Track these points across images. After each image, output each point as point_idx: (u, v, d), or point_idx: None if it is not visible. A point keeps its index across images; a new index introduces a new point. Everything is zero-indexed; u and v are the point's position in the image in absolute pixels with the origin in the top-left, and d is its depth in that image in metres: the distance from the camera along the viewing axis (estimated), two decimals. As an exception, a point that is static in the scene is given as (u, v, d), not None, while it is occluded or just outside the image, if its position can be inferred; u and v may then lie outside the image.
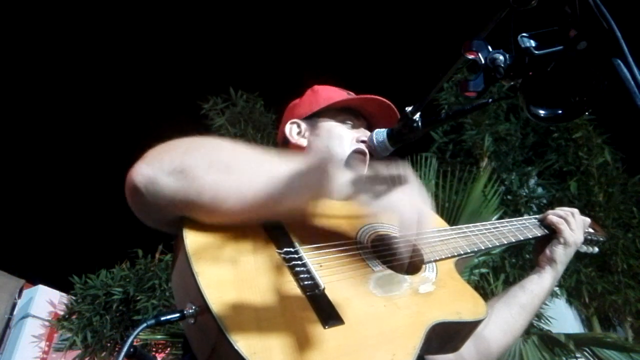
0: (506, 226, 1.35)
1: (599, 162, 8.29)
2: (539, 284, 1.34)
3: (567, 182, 8.43)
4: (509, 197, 8.16)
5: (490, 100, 1.08)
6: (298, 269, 0.86)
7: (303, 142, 1.31)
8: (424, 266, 1.05)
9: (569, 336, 3.72)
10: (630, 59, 0.57)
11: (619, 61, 0.57)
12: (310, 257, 0.90)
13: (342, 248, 0.97)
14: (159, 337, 4.40)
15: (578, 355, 3.65)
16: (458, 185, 3.94)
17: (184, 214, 0.85)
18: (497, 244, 1.27)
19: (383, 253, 1.01)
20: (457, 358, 1.11)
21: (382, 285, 0.93)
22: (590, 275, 7.27)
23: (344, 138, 1.30)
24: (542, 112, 0.76)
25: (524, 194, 8.45)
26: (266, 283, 0.81)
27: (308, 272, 0.86)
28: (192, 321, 0.78)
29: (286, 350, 0.73)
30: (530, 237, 1.37)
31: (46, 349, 10.72)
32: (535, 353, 3.53)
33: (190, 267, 0.78)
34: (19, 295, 11.65)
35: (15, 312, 11.40)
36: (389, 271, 0.97)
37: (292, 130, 1.34)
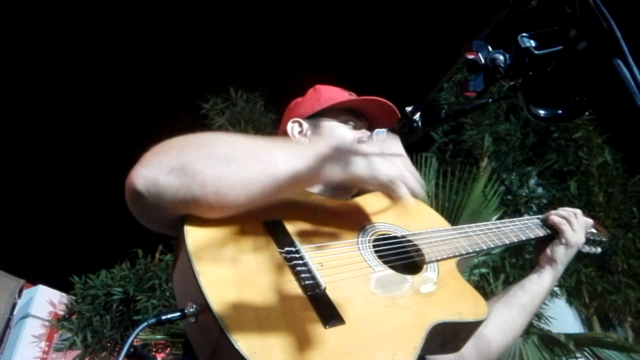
0: (508, 226, 1.35)
1: (599, 162, 8.30)
2: (539, 283, 1.34)
3: (567, 182, 8.43)
4: (509, 197, 8.16)
5: (490, 100, 1.08)
6: (299, 268, 0.86)
7: (304, 141, 1.31)
8: (425, 266, 1.05)
9: (569, 336, 3.72)
10: (630, 59, 0.57)
11: (619, 61, 0.57)
12: (312, 256, 0.90)
13: (343, 248, 0.97)
14: (159, 337, 4.40)
15: (578, 355, 3.65)
16: (458, 185, 3.94)
17: (188, 211, 0.85)
18: (500, 244, 1.27)
19: (384, 253, 1.01)
20: (457, 358, 1.11)
21: (383, 285, 0.93)
22: (590, 275, 7.28)
23: (345, 138, 1.30)
24: (542, 112, 0.76)
25: (524, 194, 8.46)
26: (267, 282, 0.82)
27: (309, 271, 0.86)
28: (192, 320, 0.78)
29: (286, 350, 0.73)
30: (533, 237, 1.36)
31: (46, 349, 10.72)
32: (535, 353, 3.53)
33: (191, 267, 0.78)
34: (19, 295, 11.65)
35: (15, 312, 11.40)
36: (390, 271, 0.97)
37: (293, 129, 1.34)
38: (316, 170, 0.89)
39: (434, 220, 1.25)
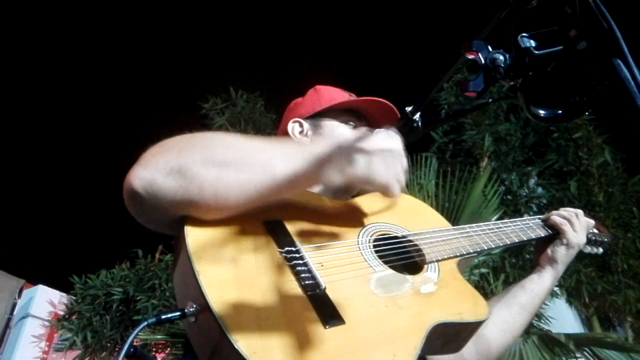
0: (509, 226, 1.34)
1: (599, 162, 8.30)
2: (539, 283, 1.34)
3: (567, 182, 8.43)
4: (509, 197, 8.16)
5: (490, 100, 1.08)
6: (299, 268, 0.86)
7: (306, 141, 1.32)
8: (426, 266, 1.05)
9: (569, 336, 3.72)
10: (630, 59, 0.57)
11: (619, 61, 0.57)
12: (312, 256, 0.90)
13: (343, 247, 0.97)
14: (159, 337, 4.40)
15: (578, 355, 3.65)
16: (458, 185, 3.94)
17: (186, 213, 0.85)
18: (501, 244, 1.27)
19: (385, 253, 1.01)
20: (457, 358, 1.11)
21: (384, 285, 0.93)
22: (590, 275, 7.28)
23: (346, 137, 1.30)
24: (542, 112, 0.76)
25: (524, 194, 8.46)
26: (267, 282, 0.82)
27: (309, 271, 0.86)
28: (192, 320, 0.78)
29: (286, 350, 0.73)
30: (534, 237, 1.36)
31: (46, 349, 10.73)
32: (535, 353, 3.53)
33: (191, 266, 0.78)
34: (19, 295, 11.65)
35: (15, 312, 11.40)
36: (391, 271, 0.97)
37: (294, 129, 1.34)
38: (315, 172, 0.89)
39: (434, 220, 1.25)
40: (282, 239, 0.90)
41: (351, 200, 1.17)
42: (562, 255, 1.36)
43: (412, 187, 3.96)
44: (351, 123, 1.34)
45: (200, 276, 0.76)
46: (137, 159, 0.85)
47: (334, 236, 0.98)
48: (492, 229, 1.29)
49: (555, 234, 1.39)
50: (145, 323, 0.76)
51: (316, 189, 1.25)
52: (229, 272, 0.80)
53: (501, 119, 8.73)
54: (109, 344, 7.88)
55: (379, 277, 0.94)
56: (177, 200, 0.81)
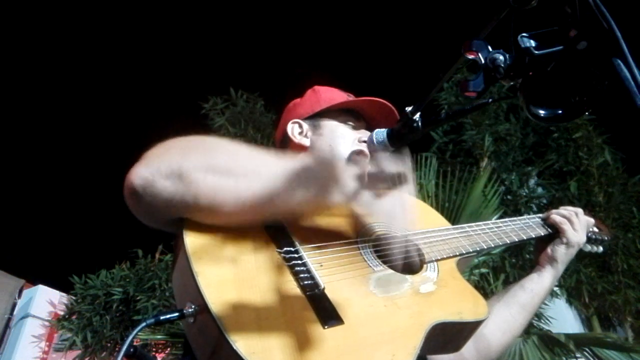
0: (509, 225, 1.34)
1: (599, 162, 8.29)
2: (539, 283, 1.33)
3: (567, 182, 8.42)
4: (509, 197, 8.15)
5: (490, 100, 1.08)
6: (298, 268, 0.86)
7: (305, 141, 1.32)
8: (425, 266, 1.05)
9: (569, 336, 3.71)
10: (630, 59, 0.57)
11: (619, 61, 0.57)
12: (311, 256, 0.89)
13: (342, 247, 0.97)
14: (159, 337, 4.39)
15: (578, 355, 3.65)
16: (458, 185, 3.93)
17: (182, 215, 0.85)
18: (500, 243, 1.26)
19: (384, 253, 1.01)
20: (457, 357, 1.11)
21: (383, 285, 0.93)
22: (590, 275, 7.27)
23: (346, 138, 1.30)
24: (542, 112, 0.76)
25: (524, 194, 8.45)
26: (266, 283, 0.81)
27: (308, 271, 0.86)
28: (191, 321, 0.78)
29: (286, 351, 0.73)
30: (534, 236, 1.36)
31: (46, 349, 10.72)
32: (535, 353, 3.52)
33: (190, 267, 0.78)
34: (19, 295, 11.65)
35: (15, 312, 11.40)
36: (390, 271, 0.97)
37: (293, 129, 1.34)
38: (316, 199, 0.88)
39: (434, 219, 1.25)
40: (281, 239, 0.90)
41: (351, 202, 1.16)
42: (562, 254, 1.35)
43: (412, 187, 3.95)
44: (350, 123, 1.34)
45: (199, 277, 0.76)
46: (137, 159, 0.85)
47: (333, 236, 0.98)
48: (492, 228, 1.29)
49: (555, 233, 1.39)
50: (144, 324, 0.76)
51: None
52: (227, 273, 0.80)
53: (501, 119, 8.72)
54: (109, 344, 7.88)
55: (378, 277, 0.94)
56: (173, 203, 0.82)
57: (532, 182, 8.89)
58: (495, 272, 5.18)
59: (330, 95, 1.37)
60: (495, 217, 3.86)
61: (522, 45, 0.77)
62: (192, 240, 0.82)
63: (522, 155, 8.84)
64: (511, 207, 7.80)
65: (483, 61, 0.84)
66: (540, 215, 1.45)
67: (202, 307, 0.74)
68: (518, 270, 5.75)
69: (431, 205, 1.50)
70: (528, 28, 0.78)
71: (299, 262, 0.87)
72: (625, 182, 8.29)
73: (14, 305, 11.48)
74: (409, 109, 1.08)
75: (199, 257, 0.80)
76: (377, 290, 0.91)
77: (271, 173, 0.85)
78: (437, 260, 1.08)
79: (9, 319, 11.25)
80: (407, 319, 0.88)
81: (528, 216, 1.43)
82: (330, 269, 0.90)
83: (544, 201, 8.49)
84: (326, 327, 0.79)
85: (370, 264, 0.96)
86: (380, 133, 1.17)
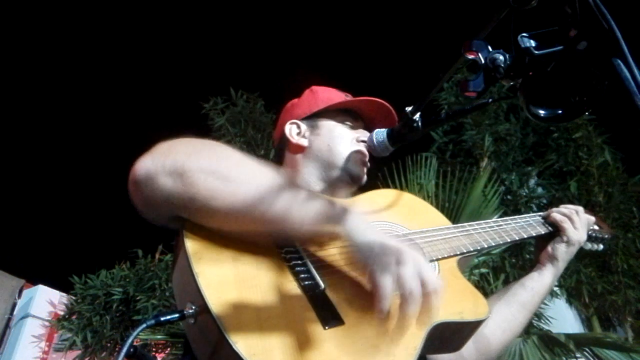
0: (509, 224, 1.34)
1: (599, 162, 8.29)
2: (540, 281, 1.33)
3: (567, 182, 8.42)
4: (509, 197, 8.15)
5: (490, 100, 1.08)
6: (298, 268, 0.86)
7: (304, 142, 1.32)
8: None
9: (569, 336, 3.71)
10: (630, 59, 0.57)
11: (619, 61, 0.57)
12: (311, 256, 0.89)
13: (343, 247, 0.96)
14: (159, 337, 4.39)
15: (578, 355, 3.65)
16: (458, 185, 3.93)
17: (179, 214, 0.86)
18: (501, 242, 1.26)
19: None
20: (456, 356, 1.11)
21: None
22: (590, 275, 7.27)
23: (344, 137, 1.30)
24: (542, 112, 0.76)
25: (524, 194, 8.44)
26: (266, 283, 0.81)
27: (308, 271, 0.86)
28: (192, 321, 0.78)
29: (286, 351, 0.73)
30: (534, 234, 1.35)
31: (46, 349, 10.72)
32: (535, 353, 3.52)
33: (190, 267, 0.78)
34: (19, 295, 11.65)
35: (15, 312, 11.40)
36: None
37: (291, 130, 1.34)
38: (315, 228, 0.86)
39: (435, 218, 1.24)
40: None
41: (351, 199, 1.16)
42: (563, 252, 1.35)
43: (412, 187, 3.96)
44: (348, 123, 1.34)
45: (199, 277, 0.76)
46: (137, 159, 0.86)
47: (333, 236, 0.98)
48: (492, 226, 1.28)
49: (555, 232, 1.38)
50: (145, 325, 0.76)
51: (317, 187, 1.25)
52: (228, 273, 0.80)
53: (501, 119, 8.72)
54: (109, 344, 7.88)
55: None
56: (170, 200, 0.83)
57: (532, 182, 8.89)
58: (495, 272, 5.17)
59: (328, 95, 1.37)
60: (496, 217, 3.85)
61: (522, 45, 0.77)
62: (192, 240, 0.82)
63: (522, 155, 8.83)
64: (511, 207, 7.79)
65: (483, 61, 0.84)
66: (541, 213, 1.45)
67: (203, 307, 0.74)
68: (518, 270, 5.75)
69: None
70: (528, 28, 0.78)
71: (300, 262, 0.87)
72: (625, 182, 8.28)
73: (14, 305, 11.48)
74: (409, 109, 1.08)
75: (199, 257, 0.80)
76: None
77: (272, 189, 0.84)
78: (437, 260, 1.07)
79: (9, 319, 11.25)
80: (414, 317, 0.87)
81: (528, 214, 1.42)
82: (330, 269, 0.90)
83: (544, 201, 8.49)
84: (327, 327, 0.79)
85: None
86: (380, 133, 1.17)
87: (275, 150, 1.44)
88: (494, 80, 0.83)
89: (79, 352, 8.06)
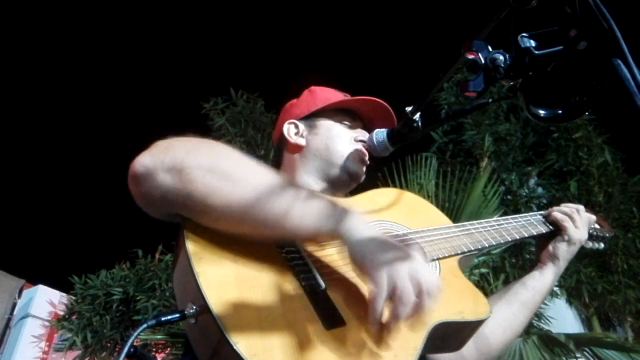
0: (510, 223, 1.33)
1: (599, 162, 8.29)
2: (541, 280, 1.33)
3: (567, 182, 8.42)
4: (509, 197, 8.15)
5: (490, 100, 1.08)
6: (299, 268, 0.86)
7: (302, 141, 1.32)
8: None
9: (569, 336, 3.71)
10: (630, 59, 0.57)
11: (619, 61, 0.57)
12: (312, 256, 0.89)
13: (343, 247, 0.97)
14: (159, 337, 4.39)
15: (578, 355, 3.65)
16: (458, 185, 3.93)
17: (177, 211, 0.86)
18: (502, 241, 1.25)
19: None
20: (457, 355, 1.11)
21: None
22: (590, 275, 7.27)
23: (343, 137, 1.30)
24: (542, 112, 0.76)
25: (524, 194, 8.45)
26: (267, 283, 0.81)
27: (309, 271, 0.86)
28: (192, 321, 0.78)
29: (287, 351, 0.72)
30: (535, 233, 1.35)
31: (46, 349, 10.73)
32: (535, 353, 3.52)
33: (191, 267, 0.78)
34: (19, 295, 11.66)
35: (15, 312, 11.41)
36: None
37: (289, 130, 1.34)
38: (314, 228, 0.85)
39: (435, 217, 1.24)
40: None
41: (351, 198, 1.16)
42: (564, 251, 1.35)
43: (412, 187, 3.96)
44: (346, 122, 1.34)
45: (199, 277, 0.76)
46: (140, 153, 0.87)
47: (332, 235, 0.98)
48: (493, 225, 1.28)
49: (556, 230, 1.38)
50: (145, 325, 0.76)
51: (317, 186, 1.25)
52: (228, 273, 0.80)
53: (501, 119, 8.72)
54: (109, 344, 7.88)
55: None
56: (168, 197, 0.84)
57: (532, 182, 8.89)
58: (495, 272, 5.18)
59: (327, 95, 1.37)
60: (496, 217, 3.85)
61: (522, 45, 0.77)
62: (193, 240, 0.82)
63: (522, 155, 8.84)
64: (511, 207, 7.80)
65: (483, 61, 0.84)
66: (542, 212, 1.44)
67: (203, 307, 0.74)
68: (518, 270, 5.75)
69: (431, 205, 1.49)
70: (528, 28, 0.78)
71: (301, 262, 0.87)
72: (625, 182, 8.29)
73: (14, 305, 11.49)
74: (409, 109, 1.08)
75: (199, 257, 0.80)
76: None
77: (269, 189, 0.84)
78: (438, 259, 1.07)
79: (9, 319, 11.26)
80: (408, 319, 0.88)
81: (529, 213, 1.42)
82: (331, 269, 0.90)
83: (544, 201, 8.49)
84: (328, 327, 0.79)
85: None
86: (380, 133, 1.17)
87: (274, 150, 1.44)
88: (494, 80, 0.83)
89: (79, 352, 8.06)
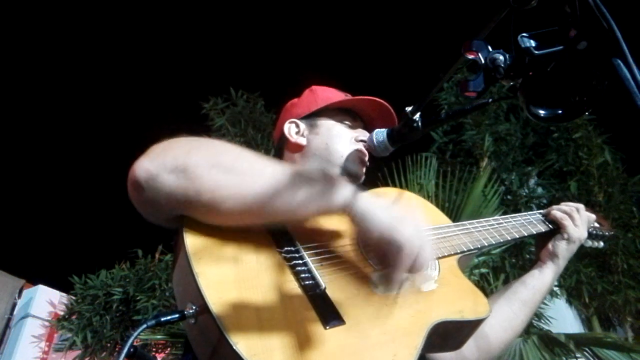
0: (510, 222, 1.34)
1: (599, 162, 8.29)
2: (540, 279, 1.33)
3: (567, 182, 8.42)
4: (509, 197, 8.15)
5: (490, 100, 1.08)
6: (299, 268, 0.86)
7: (302, 141, 1.32)
8: None
9: (569, 336, 3.71)
10: (630, 59, 0.57)
11: (619, 61, 0.57)
12: (312, 256, 0.89)
13: (343, 246, 0.97)
14: (159, 337, 4.39)
15: (578, 355, 3.65)
16: (458, 185, 3.93)
17: (183, 212, 0.85)
18: (501, 240, 1.26)
19: None
20: (457, 355, 1.11)
21: (384, 284, 0.93)
22: (590, 275, 7.27)
23: (343, 137, 1.30)
24: (542, 112, 0.76)
25: (524, 194, 8.45)
26: (267, 283, 0.81)
27: (309, 271, 0.86)
28: (192, 321, 0.78)
29: (287, 351, 0.72)
30: (535, 232, 1.35)
31: (46, 349, 10.72)
32: (535, 353, 3.52)
33: (190, 267, 0.78)
34: (19, 295, 11.65)
35: (15, 312, 11.40)
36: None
37: (290, 129, 1.34)
38: (317, 207, 0.87)
39: (435, 217, 1.24)
40: (281, 239, 0.90)
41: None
42: (563, 250, 1.35)
43: (412, 187, 3.96)
44: (347, 122, 1.34)
45: (199, 277, 0.76)
46: (137, 159, 0.85)
47: (333, 235, 0.98)
48: (493, 224, 1.28)
49: (556, 229, 1.38)
50: (145, 325, 0.76)
51: None
52: (228, 273, 0.80)
53: (501, 119, 8.72)
54: (109, 344, 7.87)
55: (379, 276, 0.94)
56: (175, 198, 0.82)
57: (532, 182, 8.89)
58: (495, 272, 5.17)
59: (327, 95, 1.38)
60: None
61: (522, 45, 0.77)
62: (192, 240, 0.82)
63: (522, 155, 8.84)
64: (511, 207, 7.79)
65: (483, 61, 0.84)
66: (541, 211, 1.44)
67: (203, 307, 0.74)
68: (518, 270, 5.74)
69: (431, 206, 1.49)
70: (528, 28, 0.78)
71: (300, 261, 0.87)
72: (625, 182, 8.29)
73: (14, 305, 11.48)
74: (409, 109, 1.08)
75: (199, 257, 0.80)
76: (378, 289, 0.91)
77: (274, 174, 0.86)
78: (438, 258, 1.07)
79: (9, 319, 11.25)
80: (409, 318, 0.88)
81: (529, 212, 1.42)
82: (331, 269, 0.90)
83: (544, 201, 8.49)
84: (327, 327, 0.79)
85: (372, 263, 0.96)
86: (380, 133, 1.17)
87: (274, 150, 1.44)
88: (494, 80, 0.83)
89: (79, 352, 8.06)
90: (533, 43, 0.77)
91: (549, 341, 3.65)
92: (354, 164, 1.27)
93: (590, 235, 1.47)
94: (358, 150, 1.28)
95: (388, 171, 4.04)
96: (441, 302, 0.96)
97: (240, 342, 0.70)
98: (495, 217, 1.32)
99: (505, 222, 1.32)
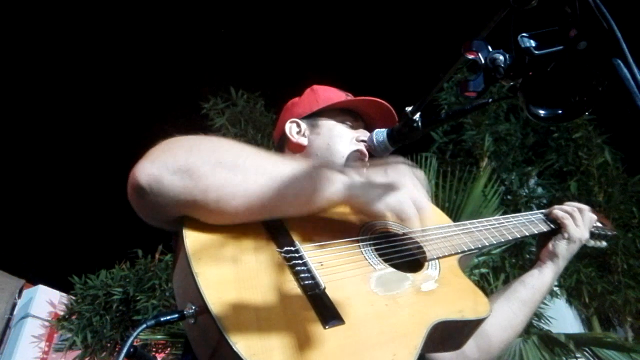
0: (511, 221, 1.33)
1: (599, 162, 8.29)
2: (540, 278, 1.33)
3: (567, 182, 8.43)
4: (509, 197, 8.15)
5: (490, 100, 1.08)
6: (298, 268, 0.86)
7: (303, 140, 1.32)
8: (426, 263, 1.05)
9: (569, 336, 3.71)
10: (630, 59, 0.57)
11: (619, 61, 0.57)
12: (311, 255, 0.89)
13: (343, 246, 0.97)
14: (159, 337, 4.40)
15: (578, 355, 3.65)
16: (458, 185, 3.93)
17: (188, 213, 0.85)
18: (502, 240, 1.25)
19: (385, 251, 1.01)
20: (458, 354, 1.11)
21: (384, 283, 0.93)
22: (590, 275, 7.27)
23: (344, 137, 1.31)
24: (542, 112, 0.76)
25: (524, 194, 8.45)
26: (266, 283, 0.81)
27: (309, 271, 0.86)
28: (192, 321, 0.78)
29: (286, 351, 0.72)
30: (536, 232, 1.34)
31: (46, 349, 10.73)
32: (535, 353, 3.52)
33: (190, 268, 0.78)
34: (19, 295, 11.66)
35: (15, 312, 11.41)
36: (391, 269, 0.97)
37: (291, 129, 1.34)
38: (320, 194, 0.90)
39: (435, 216, 1.24)
40: (281, 238, 0.90)
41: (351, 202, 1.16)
42: (564, 249, 1.34)
43: (412, 187, 3.95)
44: (348, 122, 1.34)
45: (198, 277, 0.76)
46: (137, 159, 0.85)
47: (333, 235, 0.98)
48: (494, 224, 1.28)
49: (557, 229, 1.38)
50: (145, 325, 0.76)
51: None
52: (227, 273, 0.80)
53: (501, 119, 8.72)
54: (109, 344, 7.88)
55: (379, 276, 0.94)
56: (180, 200, 0.81)
57: (532, 182, 8.89)
58: (495, 272, 5.17)
59: (329, 95, 1.38)
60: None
61: (522, 45, 0.77)
62: (192, 241, 0.82)
63: (522, 155, 8.84)
64: (511, 207, 7.79)
65: (483, 61, 0.84)
66: (543, 211, 1.44)
67: (203, 308, 0.74)
68: (518, 270, 5.74)
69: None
70: (528, 28, 0.78)
71: (300, 261, 0.87)
72: (625, 182, 8.29)
73: (14, 305, 11.49)
74: (409, 109, 1.08)
75: (198, 257, 0.80)
76: (378, 289, 0.91)
77: (278, 169, 0.86)
78: (438, 258, 1.07)
79: (9, 319, 11.26)
80: (409, 318, 0.88)
81: (530, 212, 1.42)
82: (331, 268, 0.90)
83: (544, 201, 8.49)
84: (327, 327, 0.79)
85: (371, 263, 0.96)
86: (380, 133, 1.17)
87: (275, 149, 1.44)
88: (494, 80, 0.83)
89: (79, 352, 8.06)
90: (533, 43, 0.77)
91: (549, 341, 3.65)
92: (354, 165, 1.27)
93: (593, 235, 1.47)
94: (358, 151, 1.28)
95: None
96: (441, 301, 0.96)
97: (239, 342, 0.70)
98: (496, 217, 1.32)
99: (507, 222, 1.32)
